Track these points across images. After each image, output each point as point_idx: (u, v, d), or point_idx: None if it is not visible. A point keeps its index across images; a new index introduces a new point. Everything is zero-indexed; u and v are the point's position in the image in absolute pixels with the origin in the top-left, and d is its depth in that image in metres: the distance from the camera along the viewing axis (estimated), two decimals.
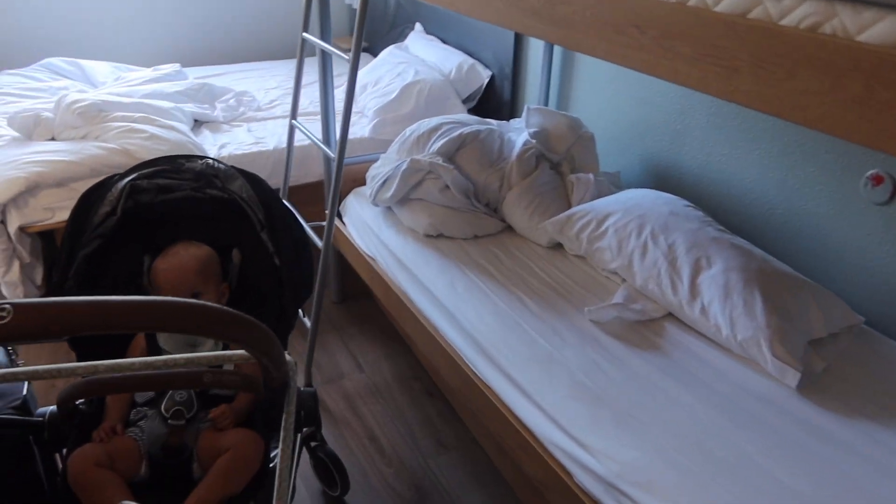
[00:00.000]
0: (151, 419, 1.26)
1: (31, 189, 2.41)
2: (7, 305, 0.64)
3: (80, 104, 2.61)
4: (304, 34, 2.20)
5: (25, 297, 2.55)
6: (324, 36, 2.19)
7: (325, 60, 2.20)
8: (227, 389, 1.15)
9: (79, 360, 1.40)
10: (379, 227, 2.19)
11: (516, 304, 1.76)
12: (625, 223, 1.83)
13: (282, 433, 0.95)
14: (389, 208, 2.22)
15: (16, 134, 2.68)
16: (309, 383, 2.22)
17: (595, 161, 2.26)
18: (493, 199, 2.14)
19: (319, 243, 2.15)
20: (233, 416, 1.27)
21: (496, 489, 1.88)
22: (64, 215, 2.48)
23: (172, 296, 1.35)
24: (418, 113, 2.93)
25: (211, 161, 1.47)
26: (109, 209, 1.40)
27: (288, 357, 0.95)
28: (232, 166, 1.49)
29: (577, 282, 1.87)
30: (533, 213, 2.05)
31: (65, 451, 1.25)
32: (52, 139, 2.64)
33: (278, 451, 0.95)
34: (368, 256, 2.19)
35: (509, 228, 2.14)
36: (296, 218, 1.50)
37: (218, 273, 1.44)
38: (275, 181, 2.71)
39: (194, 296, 1.36)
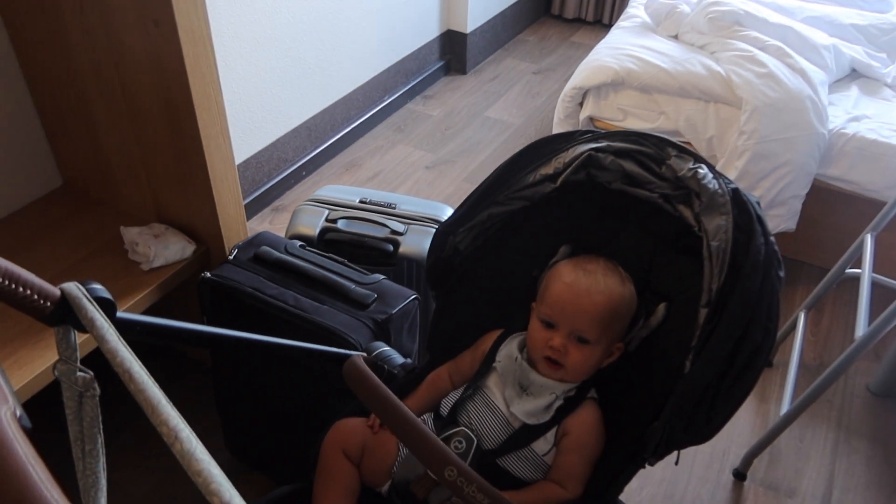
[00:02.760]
0: None
1: (616, 84, 2.19)
2: None
3: (715, 9, 2.18)
4: None
5: None
6: None
7: None
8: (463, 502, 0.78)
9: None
10: None
11: None
12: None
13: None
14: None
15: (647, 19, 2.45)
16: (741, 474, 1.62)
17: None
18: None
19: (864, 326, 1.39)
20: None
21: None
22: (633, 122, 2.22)
23: (552, 319, 0.98)
24: None
25: (706, 170, 0.94)
26: (551, 172, 1.04)
27: None
28: (735, 189, 0.93)
29: None
30: None
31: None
32: (676, 37, 2.32)
33: None
34: None
35: None
36: (770, 324, 0.87)
37: (623, 328, 0.97)
38: (890, 194, 1.89)
39: (578, 339, 0.95)
